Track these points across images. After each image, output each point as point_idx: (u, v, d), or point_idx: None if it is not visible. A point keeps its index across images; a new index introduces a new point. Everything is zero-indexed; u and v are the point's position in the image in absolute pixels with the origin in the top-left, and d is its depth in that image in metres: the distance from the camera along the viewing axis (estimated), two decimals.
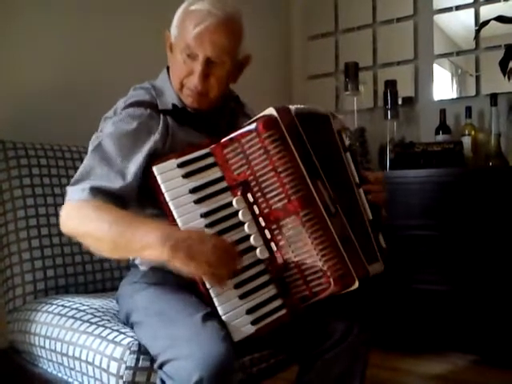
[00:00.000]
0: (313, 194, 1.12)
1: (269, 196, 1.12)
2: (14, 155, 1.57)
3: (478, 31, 2.44)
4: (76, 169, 1.66)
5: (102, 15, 2.13)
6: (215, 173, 1.17)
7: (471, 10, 2.72)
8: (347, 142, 1.27)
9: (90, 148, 1.24)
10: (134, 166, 1.16)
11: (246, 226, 1.13)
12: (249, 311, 1.09)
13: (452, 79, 2.85)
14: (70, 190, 1.16)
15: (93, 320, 1.26)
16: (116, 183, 1.14)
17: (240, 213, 1.14)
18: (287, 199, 1.11)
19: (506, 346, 2.20)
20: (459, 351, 2.32)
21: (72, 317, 1.29)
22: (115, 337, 1.16)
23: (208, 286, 1.08)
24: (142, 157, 1.17)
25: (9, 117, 1.78)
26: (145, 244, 1.03)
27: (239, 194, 1.14)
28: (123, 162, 1.17)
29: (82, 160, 1.69)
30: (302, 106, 1.21)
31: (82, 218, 1.11)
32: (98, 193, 1.12)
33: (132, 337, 1.14)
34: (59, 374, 1.30)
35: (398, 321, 2.42)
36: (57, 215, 1.61)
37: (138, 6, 2.25)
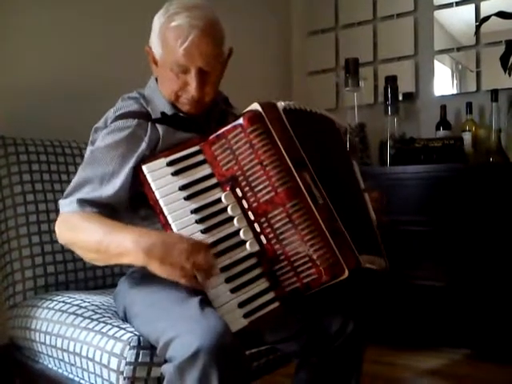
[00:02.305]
0: (299, 186, 1.12)
1: (256, 190, 1.13)
2: (13, 151, 1.57)
3: (478, 27, 2.44)
4: (76, 165, 1.69)
5: (103, 11, 2.13)
6: (204, 170, 1.18)
7: (471, 6, 2.71)
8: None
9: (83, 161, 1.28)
10: (122, 176, 1.19)
11: (235, 220, 1.14)
12: (241, 305, 1.10)
13: (452, 75, 2.84)
14: (61, 203, 1.21)
15: (94, 317, 1.25)
16: (104, 194, 1.18)
17: (229, 208, 1.15)
18: (274, 192, 1.12)
19: (499, 341, 2.21)
20: (454, 346, 2.32)
21: (73, 313, 1.29)
22: (115, 332, 1.16)
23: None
24: (131, 165, 1.20)
25: (9, 113, 1.78)
26: (122, 251, 1.08)
27: (228, 189, 1.16)
28: (113, 173, 1.20)
29: (82, 156, 1.71)
30: (310, 109, 1.26)
31: (70, 231, 1.18)
32: (86, 204, 1.17)
33: (132, 332, 1.14)
34: (60, 370, 1.30)
35: (393, 316, 2.43)
36: (57, 211, 1.61)
37: (139, 4, 2.25)
